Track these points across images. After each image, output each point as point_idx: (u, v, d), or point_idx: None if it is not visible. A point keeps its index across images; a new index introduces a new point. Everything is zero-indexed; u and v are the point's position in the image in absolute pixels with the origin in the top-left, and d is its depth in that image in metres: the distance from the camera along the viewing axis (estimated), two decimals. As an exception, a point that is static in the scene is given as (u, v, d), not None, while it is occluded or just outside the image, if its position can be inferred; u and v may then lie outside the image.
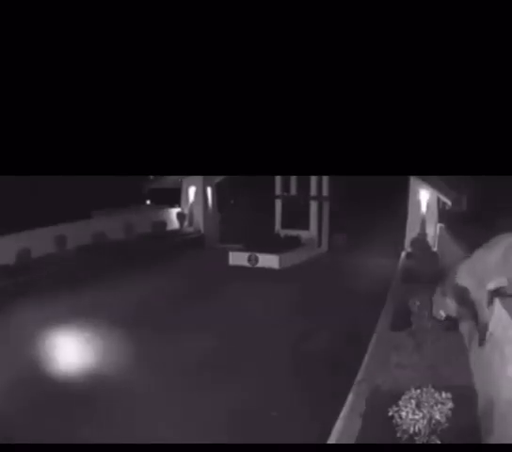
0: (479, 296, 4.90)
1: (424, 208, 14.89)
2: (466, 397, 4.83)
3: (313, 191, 16.16)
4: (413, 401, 3.88)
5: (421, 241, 13.96)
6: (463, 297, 5.07)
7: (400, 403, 3.93)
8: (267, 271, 13.33)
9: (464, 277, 4.98)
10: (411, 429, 3.83)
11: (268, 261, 13.64)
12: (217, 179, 17.70)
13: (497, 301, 4.95)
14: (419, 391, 3.97)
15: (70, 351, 6.27)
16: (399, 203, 15.38)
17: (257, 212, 17.71)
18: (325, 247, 16.63)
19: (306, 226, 16.38)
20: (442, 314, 5.49)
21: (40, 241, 12.31)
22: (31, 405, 5.70)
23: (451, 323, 6.14)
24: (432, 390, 3.97)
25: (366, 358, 6.43)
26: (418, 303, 6.57)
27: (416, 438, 3.82)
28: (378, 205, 16.32)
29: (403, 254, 14.24)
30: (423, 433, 3.81)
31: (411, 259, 12.39)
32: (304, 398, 5.90)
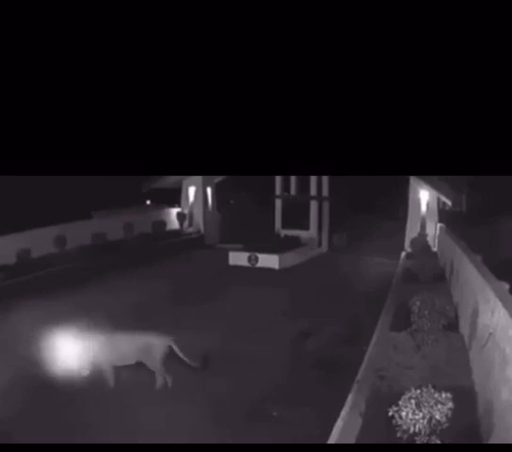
0: None
1: (423, 208, 14.88)
2: (466, 397, 4.84)
3: (313, 191, 16.16)
4: (413, 401, 3.88)
5: (421, 241, 13.96)
6: None
7: (400, 403, 3.93)
8: (267, 271, 13.32)
9: None
10: (411, 429, 3.83)
11: (268, 261, 13.63)
12: (217, 179, 17.70)
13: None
14: (419, 391, 3.97)
15: (70, 351, 6.28)
16: (399, 203, 15.39)
17: (257, 212, 17.72)
18: (325, 247, 16.63)
19: (306, 226, 16.38)
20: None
21: (40, 241, 12.31)
22: (31, 405, 5.71)
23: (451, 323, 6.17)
24: (432, 390, 3.98)
25: (366, 358, 6.44)
26: (418, 303, 6.57)
27: (416, 438, 3.83)
28: (378, 205, 16.32)
29: (403, 254, 14.24)
30: (423, 433, 3.81)
31: (411, 259, 12.39)
32: (304, 398, 5.90)
